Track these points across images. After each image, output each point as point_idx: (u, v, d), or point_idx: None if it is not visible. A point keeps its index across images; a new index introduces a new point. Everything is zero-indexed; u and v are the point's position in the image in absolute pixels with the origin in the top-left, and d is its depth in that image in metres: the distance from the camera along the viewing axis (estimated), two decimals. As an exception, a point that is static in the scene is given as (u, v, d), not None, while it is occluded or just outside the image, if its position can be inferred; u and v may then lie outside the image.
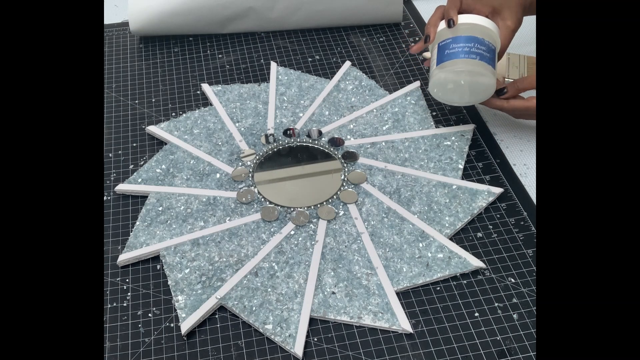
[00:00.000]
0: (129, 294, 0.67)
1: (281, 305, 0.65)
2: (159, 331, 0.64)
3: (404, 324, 0.63)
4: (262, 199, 0.75)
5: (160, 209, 0.74)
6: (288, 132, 0.84)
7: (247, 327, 0.64)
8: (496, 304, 0.65)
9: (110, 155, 0.82)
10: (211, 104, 0.88)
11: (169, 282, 0.67)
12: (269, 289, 0.66)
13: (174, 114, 0.88)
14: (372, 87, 0.90)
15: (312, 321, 0.64)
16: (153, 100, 0.90)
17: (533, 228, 0.72)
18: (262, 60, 0.97)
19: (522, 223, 0.72)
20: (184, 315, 0.64)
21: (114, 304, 0.66)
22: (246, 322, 0.64)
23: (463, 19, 0.77)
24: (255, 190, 0.76)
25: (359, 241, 0.71)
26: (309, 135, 0.83)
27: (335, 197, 0.75)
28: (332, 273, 0.67)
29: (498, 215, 0.73)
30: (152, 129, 0.84)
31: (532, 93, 0.81)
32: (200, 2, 0.96)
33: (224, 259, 0.69)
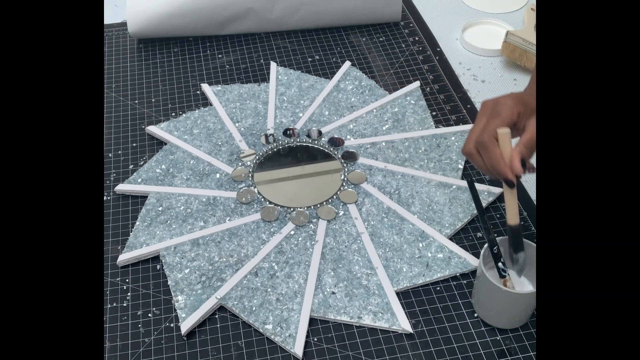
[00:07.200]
0: (129, 294, 0.67)
1: (281, 305, 0.65)
2: (159, 331, 0.64)
3: (404, 324, 0.63)
4: (262, 199, 0.75)
5: (160, 209, 0.74)
6: (288, 132, 0.84)
7: (247, 327, 0.64)
8: (496, 304, 0.65)
9: (110, 155, 0.82)
10: (211, 104, 0.88)
11: (169, 282, 0.67)
12: (269, 289, 0.66)
13: (174, 114, 0.88)
14: (372, 87, 0.90)
15: (312, 321, 0.64)
16: (153, 100, 0.90)
17: (533, 228, 0.72)
18: (262, 60, 0.96)
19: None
20: (184, 315, 0.64)
21: (114, 304, 0.66)
22: (246, 322, 0.64)
23: None
24: (255, 190, 0.76)
25: (359, 241, 0.70)
26: (308, 135, 0.83)
27: (335, 197, 0.75)
28: (332, 273, 0.67)
29: (498, 215, 0.73)
30: (152, 129, 0.84)
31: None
32: (199, 3, 0.96)
33: (224, 259, 0.69)
